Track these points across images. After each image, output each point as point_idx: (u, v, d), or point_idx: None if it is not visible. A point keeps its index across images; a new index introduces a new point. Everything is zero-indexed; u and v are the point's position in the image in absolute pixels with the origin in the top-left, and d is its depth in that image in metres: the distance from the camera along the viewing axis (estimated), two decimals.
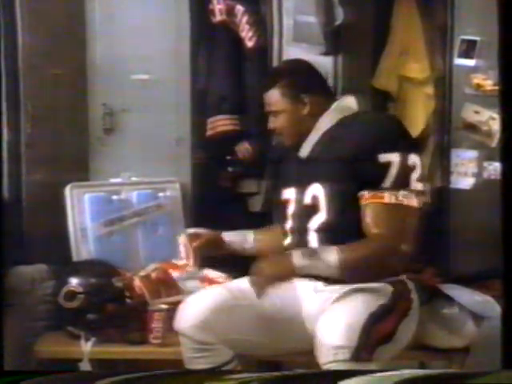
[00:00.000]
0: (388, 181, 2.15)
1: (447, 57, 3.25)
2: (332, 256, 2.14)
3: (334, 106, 2.32)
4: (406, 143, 2.23)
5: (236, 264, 2.78)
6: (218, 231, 2.54)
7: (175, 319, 2.27)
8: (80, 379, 2.18)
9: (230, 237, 2.53)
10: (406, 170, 2.16)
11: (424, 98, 3.27)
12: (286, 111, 2.31)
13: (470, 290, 2.50)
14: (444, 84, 3.27)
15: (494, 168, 3.14)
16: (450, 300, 2.41)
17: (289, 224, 2.36)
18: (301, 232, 2.30)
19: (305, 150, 2.31)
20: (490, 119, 3.17)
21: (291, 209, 2.35)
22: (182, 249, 2.52)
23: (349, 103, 2.35)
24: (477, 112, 3.19)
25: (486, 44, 3.14)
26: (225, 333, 2.19)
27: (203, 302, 2.22)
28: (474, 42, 3.18)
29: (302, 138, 2.31)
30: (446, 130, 3.26)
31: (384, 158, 2.15)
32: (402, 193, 2.15)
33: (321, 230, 2.24)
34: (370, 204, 2.16)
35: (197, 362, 2.21)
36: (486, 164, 3.19)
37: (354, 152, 2.17)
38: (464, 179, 3.22)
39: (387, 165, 2.15)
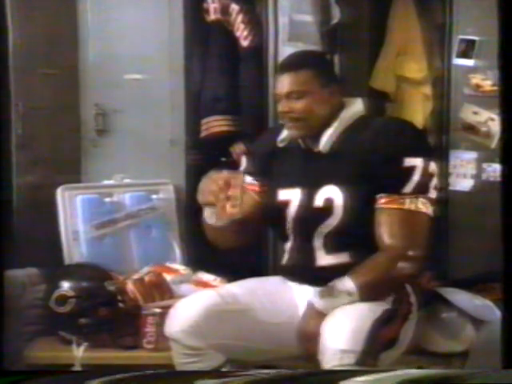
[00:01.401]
0: (410, 186, 2.13)
1: (445, 57, 3.26)
2: (349, 285, 2.11)
3: (351, 103, 2.29)
4: (429, 150, 2.24)
5: (230, 267, 2.78)
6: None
7: (165, 324, 2.26)
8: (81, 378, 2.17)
9: None
10: (427, 177, 2.15)
11: (422, 98, 3.27)
12: (313, 94, 2.21)
13: (469, 293, 2.50)
14: (442, 84, 3.27)
15: (494, 169, 3.15)
16: (448, 304, 2.41)
17: (290, 227, 2.28)
18: (306, 236, 2.24)
19: (325, 145, 2.22)
20: (489, 120, 3.17)
21: (292, 211, 2.27)
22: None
23: (359, 104, 2.32)
24: (476, 113, 3.20)
25: (485, 44, 3.14)
26: (215, 338, 2.17)
27: (193, 306, 2.20)
28: (472, 42, 3.19)
29: (318, 130, 2.23)
30: (445, 131, 3.26)
31: (409, 162, 2.14)
32: (421, 200, 2.14)
33: (330, 236, 2.21)
34: (388, 209, 2.14)
35: (187, 367, 2.20)
36: (485, 165, 3.19)
37: (379, 155, 2.15)
38: (463, 181, 3.22)
39: (411, 169, 2.14)
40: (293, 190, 2.27)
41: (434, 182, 2.18)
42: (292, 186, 2.27)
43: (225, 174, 2.10)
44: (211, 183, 2.10)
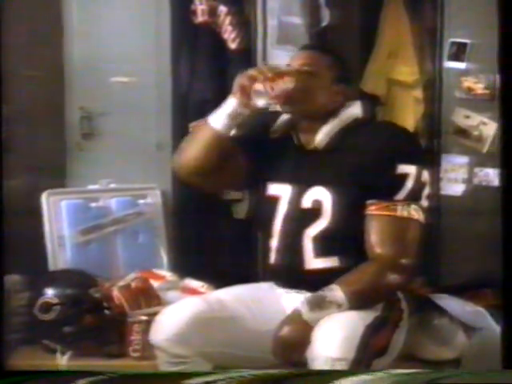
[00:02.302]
0: (402, 193, 2.13)
1: (437, 60, 3.26)
2: (339, 296, 2.10)
3: (350, 105, 2.29)
4: (423, 158, 2.24)
5: (218, 273, 2.77)
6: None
7: (151, 331, 2.25)
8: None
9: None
10: (420, 185, 2.15)
11: (413, 101, 3.27)
12: (324, 80, 2.22)
13: (461, 300, 2.50)
14: (434, 87, 3.27)
15: (485, 174, 3.15)
16: (440, 310, 2.41)
17: (277, 225, 2.27)
18: (293, 236, 2.23)
19: (321, 142, 2.22)
20: (481, 124, 3.18)
21: (282, 208, 2.26)
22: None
23: (357, 107, 2.32)
24: (467, 116, 3.20)
25: (477, 46, 3.15)
26: (202, 346, 2.16)
27: (178, 313, 2.19)
28: (464, 45, 3.19)
29: (317, 121, 2.23)
30: (436, 135, 3.26)
31: (402, 169, 2.14)
32: (413, 207, 2.14)
33: (319, 238, 2.20)
34: (379, 216, 2.13)
35: None
36: (477, 170, 3.20)
37: (372, 159, 2.14)
38: (454, 185, 3.23)
39: (404, 176, 2.14)
40: (283, 186, 2.26)
41: (427, 190, 2.18)
42: (282, 182, 2.26)
43: None
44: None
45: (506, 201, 2.16)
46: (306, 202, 2.21)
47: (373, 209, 2.14)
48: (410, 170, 2.14)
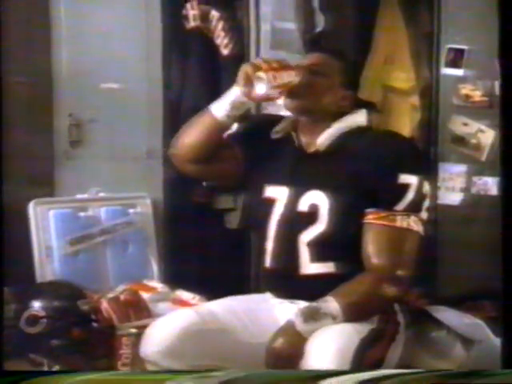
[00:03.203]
0: (402, 204, 2.13)
1: (434, 66, 3.27)
2: (333, 308, 2.09)
3: (355, 112, 2.29)
4: (424, 168, 2.23)
5: (210, 284, 2.77)
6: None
7: (141, 344, 2.24)
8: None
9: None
10: (420, 196, 2.15)
11: (409, 109, 3.28)
12: (332, 81, 2.21)
13: (459, 312, 2.49)
14: (430, 94, 3.28)
15: (484, 183, 3.15)
16: (437, 323, 2.40)
17: (273, 228, 2.24)
18: (289, 240, 2.21)
19: (322, 144, 2.21)
20: (478, 132, 3.18)
21: (278, 211, 2.23)
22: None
23: (363, 115, 2.31)
24: (465, 124, 3.20)
25: (475, 53, 3.15)
26: (194, 359, 2.14)
27: (169, 326, 2.17)
28: (461, 51, 3.20)
29: (320, 123, 2.22)
30: (433, 143, 3.27)
31: (404, 179, 2.13)
32: (413, 218, 2.14)
33: (315, 243, 2.19)
34: (377, 225, 2.13)
35: None
36: (475, 179, 3.20)
37: (373, 167, 2.14)
38: (452, 194, 3.23)
39: (405, 187, 2.13)
40: (280, 188, 2.24)
41: (427, 202, 2.17)
42: (279, 184, 2.25)
43: None
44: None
45: (506, 210, 2.16)
46: (303, 205, 2.20)
47: (371, 218, 2.13)
48: (411, 180, 2.14)
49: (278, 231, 2.24)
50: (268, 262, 2.28)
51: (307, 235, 2.19)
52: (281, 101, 2.24)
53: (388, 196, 2.13)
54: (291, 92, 2.19)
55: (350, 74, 2.28)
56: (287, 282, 2.24)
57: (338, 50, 2.38)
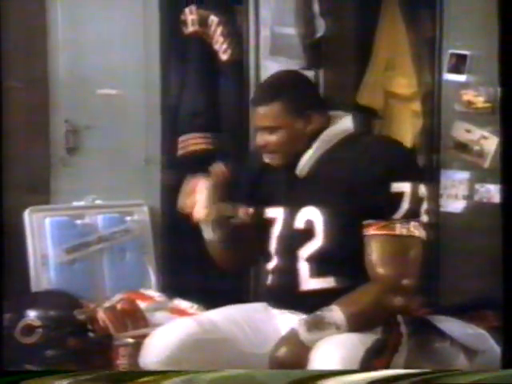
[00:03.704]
0: (399, 213, 2.12)
1: (436, 72, 3.26)
2: (338, 317, 2.09)
3: (336, 123, 2.28)
4: (418, 172, 2.22)
5: (209, 293, 2.76)
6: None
7: (140, 355, 2.23)
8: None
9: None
10: (417, 201, 2.14)
11: (411, 115, 3.27)
12: (286, 127, 2.22)
13: (462, 322, 2.48)
14: (432, 100, 3.27)
15: (487, 190, 3.14)
16: (440, 333, 2.39)
17: (273, 246, 2.28)
18: (289, 257, 2.23)
19: (302, 170, 2.23)
20: (481, 138, 3.17)
21: (277, 230, 2.27)
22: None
23: (347, 122, 2.31)
24: (468, 130, 3.20)
25: (477, 58, 3.15)
26: (194, 369, 2.14)
27: (169, 335, 2.17)
28: (464, 57, 3.19)
29: (296, 157, 2.23)
30: (435, 150, 3.26)
31: (396, 187, 2.12)
32: (413, 224, 2.13)
33: (313, 258, 2.19)
34: (377, 236, 2.12)
35: None
36: (477, 186, 3.19)
37: (364, 177, 2.13)
38: (454, 202, 3.22)
39: (399, 195, 2.12)
40: (277, 209, 2.28)
41: (425, 205, 2.16)
42: (277, 205, 2.28)
43: (194, 178, 2.27)
44: (182, 189, 2.27)
45: (506, 219, 2.15)
46: (299, 222, 2.22)
47: (370, 229, 2.13)
48: (404, 187, 2.13)
49: (278, 249, 2.27)
50: (269, 280, 2.30)
51: (305, 251, 2.20)
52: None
53: (383, 206, 2.12)
54: (269, 155, 2.25)
55: (297, 100, 2.23)
56: (288, 298, 2.24)
57: (272, 89, 2.36)
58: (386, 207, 2.12)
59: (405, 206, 2.12)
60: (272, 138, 2.23)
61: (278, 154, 2.24)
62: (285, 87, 2.28)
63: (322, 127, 2.25)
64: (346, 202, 2.14)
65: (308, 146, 2.23)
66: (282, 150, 2.23)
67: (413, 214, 2.13)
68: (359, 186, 2.13)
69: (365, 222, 2.13)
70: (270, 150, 2.25)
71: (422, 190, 2.16)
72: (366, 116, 3.25)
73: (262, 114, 2.24)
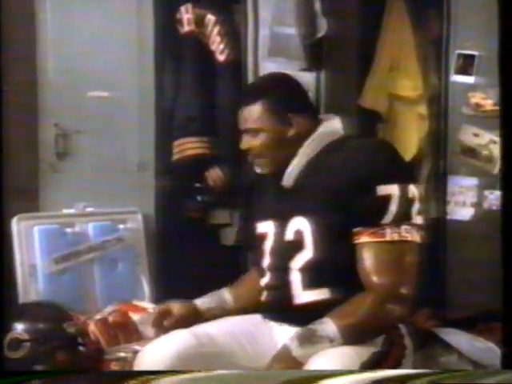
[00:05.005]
0: (388, 216, 2.12)
1: (443, 73, 3.28)
2: (331, 330, 2.08)
3: (321, 128, 2.29)
4: (405, 173, 2.21)
5: None
6: (188, 301, 2.47)
7: (134, 368, 2.23)
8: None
9: (205, 303, 2.46)
10: (407, 203, 2.13)
11: (417, 118, 3.28)
12: (268, 130, 2.24)
13: (470, 334, 2.49)
14: (439, 103, 3.28)
15: (496, 197, 3.14)
16: (447, 346, 2.39)
17: (266, 261, 2.30)
18: (281, 271, 2.24)
19: (288, 179, 2.25)
20: (490, 143, 3.18)
21: (269, 244, 2.29)
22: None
23: (335, 125, 2.32)
24: (476, 135, 3.20)
25: (486, 59, 3.16)
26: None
27: (164, 348, 2.17)
28: (472, 57, 3.20)
29: (283, 164, 2.25)
30: (442, 155, 3.27)
31: (383, 190, 2.12)
32: (404, 227, 2.12)
33: (305, 270, 2.20)
34: (368, 243, 2.12)
35: None
36: (486, 193, 3.19)
37: (348, 183, 2.13)
38: (462, 209, 3.22)
39: (386, 198, 2.12)
40: (267, 223, 2.30)
41: (417, 207, 2.16)
42: (267, 219, 2.31)
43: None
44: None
45: (507, 226, 2.16)
46: (289, 234, 2.23)
47: (361, 237, 2.13)
48: (391, 190, 2.12)
49: (271, 263, 2.29)
50: (264, 295, 2.32)
51: (297, 263, 2.20)
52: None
53: (371, 211, 2.11)
54: (255, 160, 2.27)
55: (279, 102, 2.25)
56: (283, 312, 2.25)
57: (254, 89, 2.38)
58: (373, 212, 2.11)
59: (393, 209, 2.11)
60: (255, 142, 2.25)
61: (262, 159, 2.27)
62: (267, 88, 2.30)
63: (308, 132, 2.26)
64: (334, 210, 2.14)
65: (293, 153, 2.24)
66: (265, 154, 2.25)
67: (403, 217, 2.12)
68: (346, 192, 2.13)
69: (354, 230, 2.13)
70: (254, 154, 2.27)
71: (412, 190, 2.15)
72: (370, 120, 3.26)
73: (245, 115, 2.27)
